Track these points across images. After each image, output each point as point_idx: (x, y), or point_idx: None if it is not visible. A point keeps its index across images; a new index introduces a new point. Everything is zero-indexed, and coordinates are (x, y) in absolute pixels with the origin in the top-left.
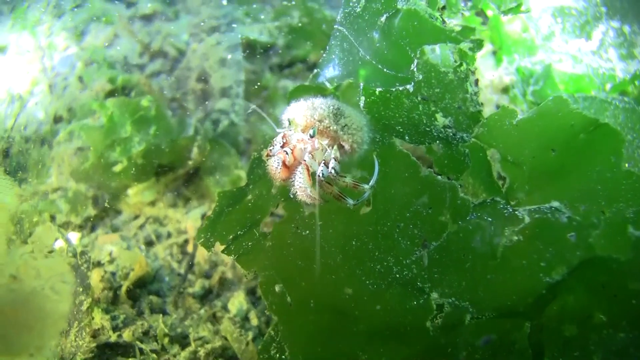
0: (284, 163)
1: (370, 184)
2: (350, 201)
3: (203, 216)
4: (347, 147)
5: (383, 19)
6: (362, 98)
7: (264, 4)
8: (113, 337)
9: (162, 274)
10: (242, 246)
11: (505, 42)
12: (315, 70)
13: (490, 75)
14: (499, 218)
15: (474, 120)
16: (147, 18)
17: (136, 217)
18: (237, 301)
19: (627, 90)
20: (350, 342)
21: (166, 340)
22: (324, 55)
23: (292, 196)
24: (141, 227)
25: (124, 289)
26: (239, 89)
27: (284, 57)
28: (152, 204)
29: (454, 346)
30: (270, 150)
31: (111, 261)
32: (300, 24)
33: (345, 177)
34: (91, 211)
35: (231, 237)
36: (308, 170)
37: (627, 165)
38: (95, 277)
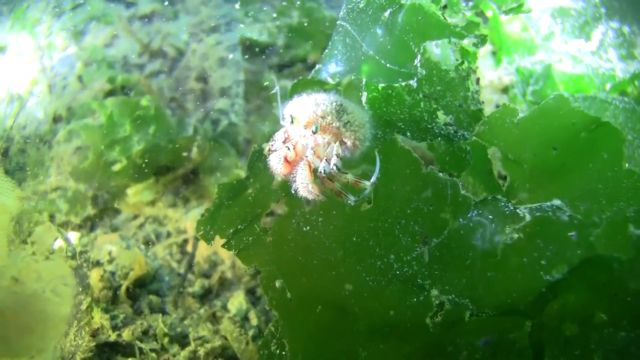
0: (285, 159)
1: (371, 180)
2: (352, 198)
3: (202, 216)
4: (349, 143)
5: (387, 14)
6: (365, 94)
7: (264, 4)
8: (112, 337)
9: (162, 274)
10: (243, 241)
11: (504, 42)
12: (317, 66)
13: (489, 75)
14: (500, 216)
15: (474, 118)
16: (147, 18)
17: (135, 216)
18: (237, 301)
19: (627, 91)
20: (350, 338)
21: (166, 339)
22: (326, 50)
23: (293, 192)
24: (141, 226)
25: (123, 288)
26: (238, 89)
27: (283, 57)
28: (152, 203)
29: (454, 344)
30: (272, 145)
31: (111, 261)
32: (299, 24)
33: (346, 173)
34: (90, 211)
35: (231, 231)
36: (310, 166)
37: (627, 165)
38: (94, 277)
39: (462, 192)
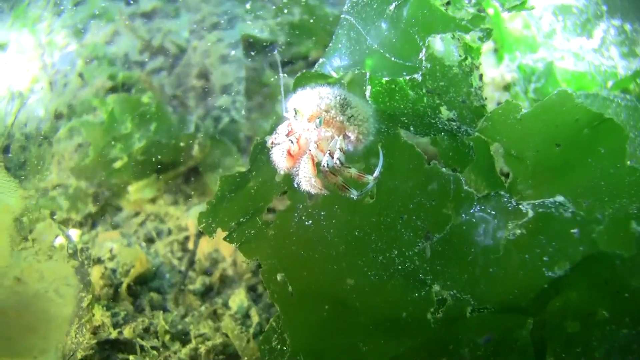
0: (288, 152)
1: (374, 175)
2: (354, 192)
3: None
4: (352, 137)
5: (392, 7)
6: (369, 88)
7: (265, 1)
8: (113, 334)
9: (163, 271)
10: (245, 234)
11: (506, 39)
12: (321, 60)
13: (491, 72)
14: (502, 211)
15: (477, 114)
16: (148, 15)
17: (137, 214)
18: (238, 298)
19: (629, 88)
20: (351, 333)
21: (167, 337)
22: (330, 44)
23: (296, 186)
24: (142, 224)
25: (124, 285)
26: (239, 86)
27: (285, 54)
28: (153, 201)
29: (456, 340)
30: (275, 138)
31: (112, 258)
32: (301, 21)
33: (349, 167)
34: (91, 208)
35: (233, 224)
36: (313, 159)
37: (629, 162)
38: (95, 274)
39: (465, 187)
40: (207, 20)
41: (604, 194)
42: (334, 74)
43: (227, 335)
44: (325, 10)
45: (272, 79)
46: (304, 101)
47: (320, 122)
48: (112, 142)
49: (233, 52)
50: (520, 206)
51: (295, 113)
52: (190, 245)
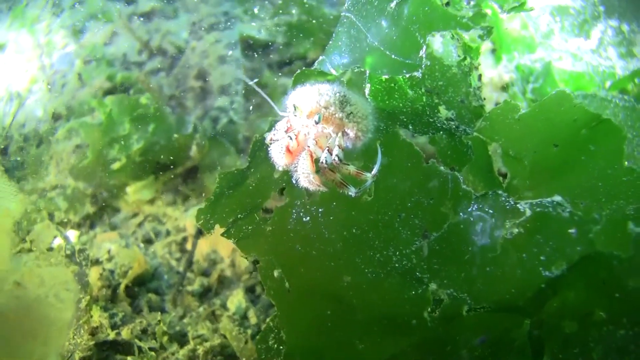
0: (287, 148)
1: (372, 172)
2: (353, 189)
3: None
4: (351, 134)
5: (393, 4)
6: (368, 85)
7: (263, 2)
8: (111, 335)
9: (161, 272)
10: (242, 230)
11: (504, 40)
12: (320, 57)
13: (489, 73)
14: (500, 210)
15: (476, 114)
16: (146, 16)
17: (135, 215)
18: (236, 299)
19: (627, 88)
20: (348, 330)
21: (165, 338)
22: (330, 42)
23: (294, 182)
24: (140, 225)
25: (122, 287)
26: (238, 86)
27: (283, 54)
28: (151, 202)
29: (453, 339)
30: (274, 135)
31: (110, 259)
32: (299, 22)
33: (348, 164)
34: (90, 209)
35: (231, 220)
36: (311, 156)
37: (626, 163)
38: (93, 275)
39: (463, 186)
40: (205, 20)
41: (601, 195)
42: (333, 72)
43: (225, 337)
44: (323, 11)
45: (271, 80)
46: (303, 98)
47: (319, 118)
48: (111, 143)
49: (231, 53)
50: (518, 205)
51: (295, 109)
52: (189, 246)
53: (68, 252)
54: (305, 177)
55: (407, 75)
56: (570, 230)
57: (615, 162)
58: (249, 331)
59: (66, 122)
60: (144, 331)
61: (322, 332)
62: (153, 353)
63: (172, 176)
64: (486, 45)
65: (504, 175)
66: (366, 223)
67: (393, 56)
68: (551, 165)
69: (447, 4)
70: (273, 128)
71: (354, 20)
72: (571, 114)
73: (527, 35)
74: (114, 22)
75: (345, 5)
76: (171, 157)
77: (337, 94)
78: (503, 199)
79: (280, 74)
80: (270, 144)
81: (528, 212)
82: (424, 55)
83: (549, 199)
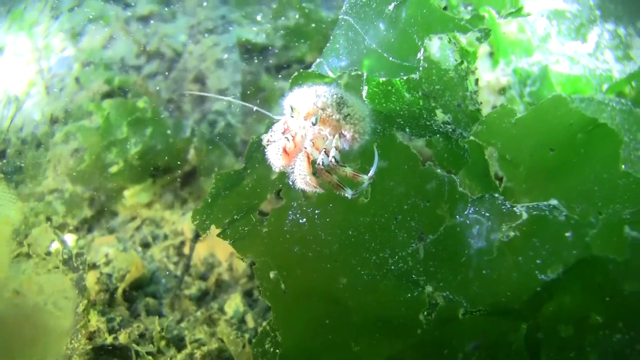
0: (284, 150)
1: (369, 174)
2: (349, 191)
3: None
4: (348, 136)
5: (391, 7)
6: (365, 88)
7: (261, 5)
8: (109, 340)
9: (159, 276)
10: (239, 231)
11: (501, 43)
12: (318, 60)
13: (487, 76)
14: (496, 213)
15: (472, 118)
16: (144, 19)
17: (132, 218)
18: (234, 303)
19: (624, 91)
20: (344, 332)
21: (162, 342)
22: (328, 44)
23: (291, 184)
24: (137, 228)
25: (120, 291)
26: (235, 90)
27: (280, 58)
28: (149, 205)
29: (448, 342)
30: (271, 136)
31: (107, 263)
32: (296, 25)
33: (345, 166)
34: (87, 213)
35: (227, 221)
36: (308, 158)
37: (623, 167)
38: (91, 279)
39: (460, 189)
40: (203, 24)
41: (597, 199)
42: (331, 74)
43: (222, 341)
44: (320, 15)
45: (269, 83)
46: (300, 99)
47: (316, 119)
48: (108, 147)
49: (229, 56)
50: (514, 208)
51: (292, 111)
52: (186, 250)
53: (65, 256)
54: (302, 179)
55: (405, 78)
56: (566, 234)
57: (611, 166)
58: (247, 335)
59: (64, 125)
60: (141, 335)
61: (318, 333)
62: (150, 357)
63: (170, 180)
64: (484, 49)
65: (501, 179)
66: (362, 225)
67: (391, 58)
68: (547, 169)
69: (445, 8)
70: (270, 129)
71: (351, 22)
72: (567, 118)
73: (524, 39)
74: (112, 25)
75: (343, 8)
76: (169, 161)
77: (335, 96)
78: (499, 202)
79: (278, 77)
80: (267, 145)
81: (524, 215)
82: (421, 58)
83: (545, 203)
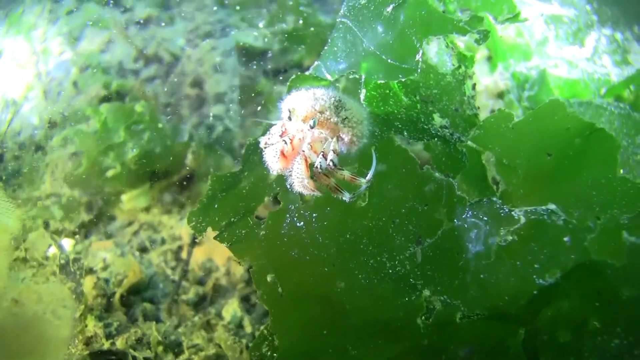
0: (282, 152)
1: (367, 178)
2: (347, 195)
3: None
4: (346, 139)
5: (389, 9)
6: (363, 91)
7: (259, 9)
8: (106, 345)
9: (156, 281)
10: (236, 234)
11: (500, 47)
12: (316, 63)
13: (485, 80)
14: (494, 217)
15: (470, 123)
16: (142, 23)
17: (130, 223)
18: (232, 308)
19: (622, 95)
20: (341, 335)
21: (160, 348)
22: (326, 47)
23: (288, 187)
24: (135, 233)
25: (117, 296)
26: (233, 94)
27: (278, 62)
28: (146, 210)
29: (446, 346)
30: (269, 139)
31: (105, 268)
32: (294, 29)
33: (343, 169)
34: (85, 217)
35: (224, 223)
36: (306, 161)
37: (622, 171)
38: (88, 284)
39: (458, 192)
40: (201, 28)
41: (595, 204)
42: (329, 77)
43: (220, 346)
44: (318, 19)
45: (267, 87)
46: (298, 102)
47: (314, 122)
48: (106, 151)
49: (227, 61)
50: (512, 213)
51: (290, 113)
52: (184, 255)
53: (62, 261)
54: (300, 182)
55: (402, 81)
56: (564, 239)
57: (609, 171)
58: (244, 340)
59: (62, 129)
60: (138, 341)
61: (315, 337)
62: None
63: (168, 184)
64: (482, 53)
65: (498, 184)
66: (360, 228)
67: (389, 60)
68: (545, 174)
69: (443, 12)
70: (268, 132)
71: (350, 25)
72: (564, 123)
73: (522, 43)
74: (110, 29)
75: (341, 10)
76: (166, 165)
77: (332, 99)
78: (497, 206)
79: (276, 81)
80: (265, 148)
81: (522, 220)
82: (420, 60)
83: (543, 207)
